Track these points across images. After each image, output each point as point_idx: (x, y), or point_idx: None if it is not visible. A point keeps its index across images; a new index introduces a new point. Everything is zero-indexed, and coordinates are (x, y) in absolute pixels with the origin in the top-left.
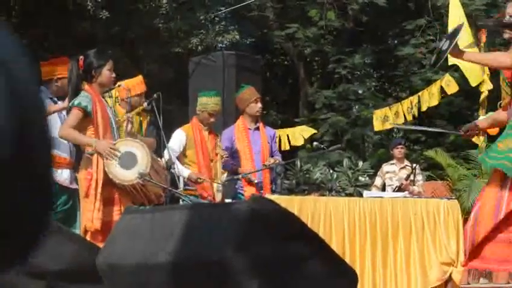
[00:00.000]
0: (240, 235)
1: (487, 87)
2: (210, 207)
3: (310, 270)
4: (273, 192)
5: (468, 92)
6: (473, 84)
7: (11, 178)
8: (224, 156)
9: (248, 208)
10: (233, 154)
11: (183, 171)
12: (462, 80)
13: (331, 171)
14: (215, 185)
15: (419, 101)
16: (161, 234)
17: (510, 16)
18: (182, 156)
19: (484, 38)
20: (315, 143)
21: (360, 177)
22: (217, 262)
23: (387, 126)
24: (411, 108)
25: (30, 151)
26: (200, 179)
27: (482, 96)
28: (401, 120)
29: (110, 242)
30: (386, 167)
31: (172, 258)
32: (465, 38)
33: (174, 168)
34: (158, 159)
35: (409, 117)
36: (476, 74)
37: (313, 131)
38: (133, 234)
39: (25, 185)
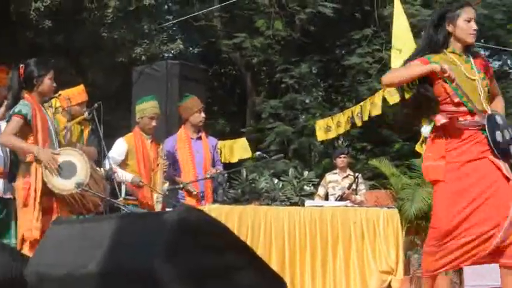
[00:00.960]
0: (169, 245)
1: None
2: (139, 217)
3: (241, 280)
4: (214, 201)
5: None
6: (406, 95)
7: None
8: (164, 165)
9: (177, 218)
10: (174, 164)
11: (126, 176)
12: None
13: (276, 180)
14: (155, 195)
15: (361, 111)
16: (91, 244)
17: (468, 20)
18: (124, 166)
19: None
20: (257, 153)
21: (305, 187)
22: (146, 272)
23: (330, 135)
24: (353, 118)
25: None
26: (142, 182)
27: None
28: (343, 130)
29: (39, 252)
30: (329, 177)
31: (101, 268)
32: (409, 48)
33: (114, 179)
34: (98, 168)
35: (349, 127)
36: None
37: (250, 154)
38: (63, 245)
39: None
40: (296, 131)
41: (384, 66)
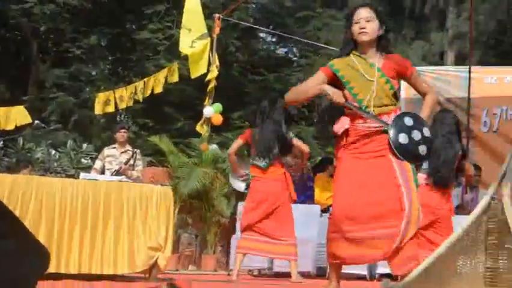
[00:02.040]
0: None
1: (214, 77)
2: None
3: (2, 248)
4: None
5: (201, 81)
6: (192, 75)
7: None
8: None
9: None
10: None
11: None
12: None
13: (54, 151)
14: None
15: (144, 87)
16: None
17: (357, 22)
18: None
19: (218, 29)
20: (36, 121)
21: (82, 159)
22: None
23: (109, 109)
24: (136, 94)
25: None
26: None
27: (210, 86)
28: (125, 104)
29: None
30: (107, 151)
31: None
32: (198, 28)
33: None
34: None
35: (131, 103)
36: (200, 66)
37: (28, 121)
38: None
39: None
40: (78, 103)
41: (174, 44)
